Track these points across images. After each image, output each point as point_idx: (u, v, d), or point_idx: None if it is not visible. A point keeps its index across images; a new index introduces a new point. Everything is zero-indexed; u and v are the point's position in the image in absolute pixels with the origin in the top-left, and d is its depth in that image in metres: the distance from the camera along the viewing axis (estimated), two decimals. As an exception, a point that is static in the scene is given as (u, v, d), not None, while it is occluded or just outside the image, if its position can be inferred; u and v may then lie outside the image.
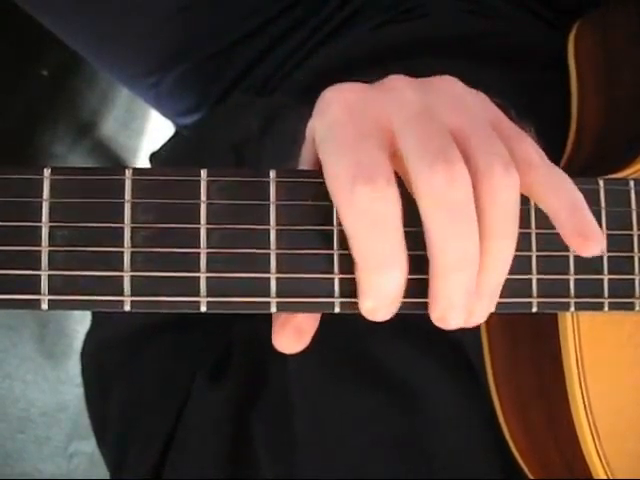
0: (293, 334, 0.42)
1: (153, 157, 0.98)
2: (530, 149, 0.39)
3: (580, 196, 0.39)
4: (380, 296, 0.38)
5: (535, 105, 0.64)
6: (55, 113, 1.17)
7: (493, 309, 0.40)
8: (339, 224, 0.39)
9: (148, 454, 0.61)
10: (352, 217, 0.37)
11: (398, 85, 0.40)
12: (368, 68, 0.70)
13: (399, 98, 0.39)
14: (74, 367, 1.21)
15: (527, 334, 0.53)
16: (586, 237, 0.38)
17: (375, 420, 0.57)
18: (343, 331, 0.56)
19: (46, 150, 1.15)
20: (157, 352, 0.65)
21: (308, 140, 0.41)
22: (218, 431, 0.60)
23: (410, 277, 0.39)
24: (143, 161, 1.28)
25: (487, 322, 0.55)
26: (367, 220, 0.36)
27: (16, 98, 1.13)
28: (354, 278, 0.39)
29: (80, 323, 1.19)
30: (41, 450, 1.22)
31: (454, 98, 0.40)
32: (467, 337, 0.57)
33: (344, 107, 0.39)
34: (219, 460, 0.59)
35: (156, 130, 1.27)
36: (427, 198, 0.37)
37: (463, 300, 0.39)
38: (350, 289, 0.39)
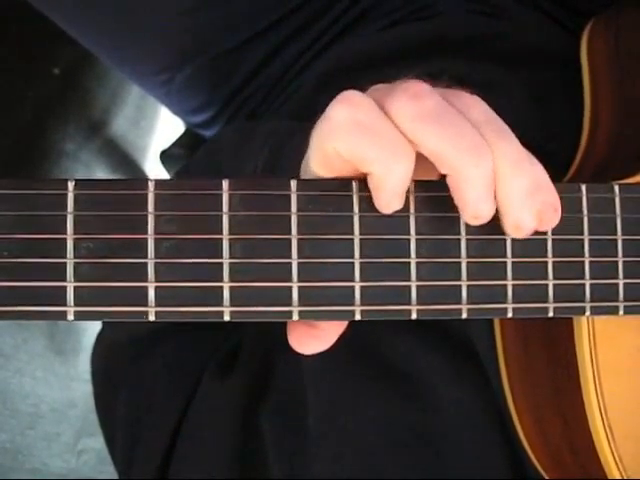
0: (307, 332, 0.42)
1: (163, 155, 0.99)
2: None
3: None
4: (396, 190, 0.39)
5: (548, 106, 0.64)
6: (66, 111, 1.17)
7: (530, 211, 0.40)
8: (360, 233, 0.39)
9: (154, 452, 0.62)
10: (342, 135, 0.39)
11: None
12: (378, 68, 0.70)
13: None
14: (83, 364, 1.21)
15: (541, 336, 0.53)
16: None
17: (388, 419, 0.57)
18: (356, 330, 0.56)
19: (57, 148, 1.15)
20: (165, 352, 0.66)
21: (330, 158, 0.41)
22: (225, 428, 0.60)
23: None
24: (153, 159, 1.28)
25: (501, 324, 0.56)
26: (354, 128, 0.38)
27: (28, 96, 1.13)
28: (374, 286, 0.39)
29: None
30: (50, 446, 1.22)
31: None
32: (479, 338, 0.57)
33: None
34: (226, 457, 0.59)
35: (166, 128, 1.28)
36: (410, 123, 0.38)
37: (491, 189, 0.39)
38: (371, 296, 0.40)
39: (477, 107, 0.40)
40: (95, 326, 0.72)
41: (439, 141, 0.38)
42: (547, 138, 0.62)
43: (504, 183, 0.39)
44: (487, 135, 0.39)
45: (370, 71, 0.70)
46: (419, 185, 0.41)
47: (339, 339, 0.44)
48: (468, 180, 0.38)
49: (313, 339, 0.43)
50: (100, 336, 0.71)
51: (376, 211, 0.40)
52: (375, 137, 0.38)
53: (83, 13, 0.77)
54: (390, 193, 0.39)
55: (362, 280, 0.39)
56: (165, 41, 0.78)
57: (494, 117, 0.40)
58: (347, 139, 0.38)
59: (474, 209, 0.39)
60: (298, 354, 0.48)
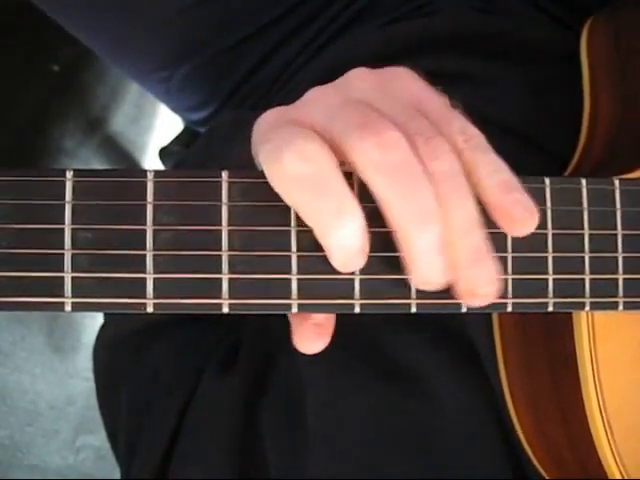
0: (313, 331, 0.42)
1: (162, 152, 0.99)
2: (456, 131, 0.40)
3: (509, 176, 0.40)
4: (344, 252, 0.38)
5: (547, 102, 0.64)
6: (65, 108, 1.18)
7: (495, 273, 0.40)
8: None
9: (154, 450, 0.61)
10: (288, 189, 0.38)
11: (314, 94, 0.42)
12: (377, 65, 0.70)
13: (316, 103, 0.41)
14: (82, 361, 1.22)
15: (541, 333, 0.53)
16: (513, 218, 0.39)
17: (388, 417, 0.57)
18: (354, 327, 0.56)
19: (56, 145, 1.16)
20: (166, 348, 0.65)
21: None
22: (225, 427, 0.60)
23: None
24: (152, 156, 1.29)
25: (500, 321, 0.56)
26: (302, 185, 0.37)
27: (27, 93, 1.13)
28: (374, 279, 0.39)
29: (89, 317, 1.19)
30: (49, 443, 1.22)
31: (372, 87, 0.41)
32: (478, 334, 0.57)
33: (267, 124, 0.41)
34: (226, 457, 0.59)
35: (165, 126, 1.28)
36: (367, 169, 0.37)
37: (437, 256, 0.38)
38: (370, 290, 0.40)
39: (444, 157, 0.39)
40: (94, 323, 0.72)
41: (392, 198, 0.37)
42: (546, 134, 0.62)
43: (459, 246, 0.39)
44: (444, 193, 0.38)
45: (370, 68, 0.70)
46: None
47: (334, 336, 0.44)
48: (414, 244, 0.38)
49: (319, 338, 0.43)
50: (102, 331, 0.71)
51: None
52: (321, 198, 0.37)
53: (83, 12, 0.77)
54: (339, 254, 0.38)
55: (362, 273, 0.39)
56: (164, 39, 0.78)
57: (458, 170, 0.39)
58: (293, 195, 0.38)
59: (424, 274, 0.39)
60: (297, 353, 0.48)
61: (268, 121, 0.41)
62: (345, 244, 0.38)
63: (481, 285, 0.39)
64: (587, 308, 0.44)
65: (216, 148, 0.65)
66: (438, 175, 0.38)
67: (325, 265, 0.39)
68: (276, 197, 0.38)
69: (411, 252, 0.38)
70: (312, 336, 0.42)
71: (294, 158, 0.37)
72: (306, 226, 0.38)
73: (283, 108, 0.42)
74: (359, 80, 0.42)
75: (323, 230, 0.38)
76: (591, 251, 0.43)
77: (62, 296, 0.36)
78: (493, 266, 0.39)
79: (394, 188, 0.37)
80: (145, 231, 0.37)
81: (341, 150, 0.38)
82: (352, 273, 0.39)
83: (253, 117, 0.43)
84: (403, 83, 0.42)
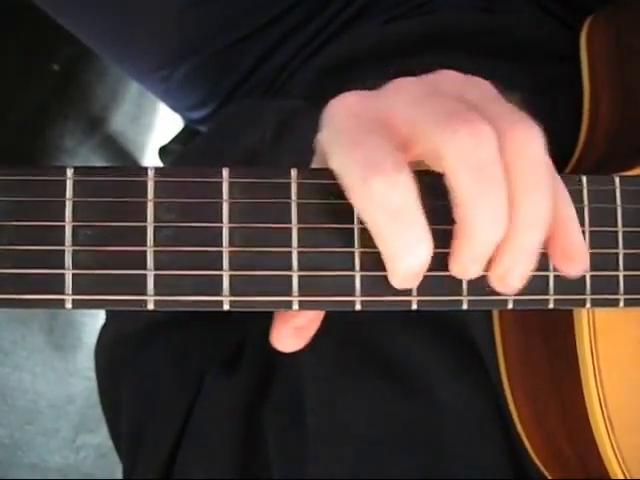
0: (292, 333, 0.42)
1: (162, 151, 0.99)
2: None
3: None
4: (408, 276, 0.39)
5: (549, 101, 0.64)
6: (65, 107, 1.18)
7: (532, 266, 0.40)
8: (360, 222, 0.39)
9: (159, 451, 0.61)
10: (371, 211, 0.37)
11: (400, 84, 0.41)
12: (377, 64, 0.70)
13: (400, 93, 0.40)
14: (83, 359, 1.22)
15: (541, 329, 0.53)
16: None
17: (388, 417, 0.57)
18: (354, 325, 0.56)
19: (56, 144, 1.16)
20: (168, 348, 0.65)
21: (318, 152, 0.41)
22: (228, 429, 0.60)
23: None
24: (152, 156, 1.29)
25: (500, 317, 0.56)
26: (386, 211, 0.37)
27: (27, 92, 1.13)
28: (374, 276, 0.39)
29: (89, 316, 1.19)
30: (49, 442, 1.23)
31: (459, 87, 0.41)
32: (478, 332, 0.57)
33: (348, 114, 0.40)
34: (230, 458, 0.59)
35: (165, 125, 1.28)
36: (455, 161, 0.37)
37: (486, 256, 0.39)
38: (371, 287, 0.40)
39: (525, 156, 0.38)
40: (95, 322, 0.72)
41: (471, 194, 0.37)
42: (547, 133, 0.62)
43: (514, 237, 0.39)
44: (515, 189, 0.38)
45: (370, 66, 0.70)
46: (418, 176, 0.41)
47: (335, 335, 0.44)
48: (474, 241, 0.38)
49: (296, 338, 0.43)
50: (103, 331, 0.71)
51: None
52: (400, 226, 0.37)
53: (84, 11, 0.77)
54: (402, 277, 0.39)
55: (362, 270, 0.39)
56: (164, 38, 0.78)
57: (532, 169, 0.39)
58: (371, 216, 0.38)
59: (465, 265, 0.39)
60: (299, 353, 0.49)
61: (349, 106, 0.40)
62: (412, 270, 0.38)
63: (515, 278, 0.40)
64: (588, 305, 0.44)
65: (227, 135, 0.65)
66: (515, 170, 0.38)
67: (326, 262, 0.39)
68: (276, 194, 0.39)
69: (465, 245, 0.38)
70: (290, 335, 0.42)
71: (383, 186, 0.37)
72: (309, 223, 0.39)
73: (367, 95, 0.41)
74: (448, 79, 0.41)
75: (394, 255, 0.38)
76: (592, 248, 0.43)
77: (63, 293, 0.36)
78: (533, 261, 0.39)
79: (476, 185, 0.37)
80: (146, 228, 0.37)
81: (421, 139, 0.38)
82: (353, 270, 0.39)
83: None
84: (486, 90, 0.42)
